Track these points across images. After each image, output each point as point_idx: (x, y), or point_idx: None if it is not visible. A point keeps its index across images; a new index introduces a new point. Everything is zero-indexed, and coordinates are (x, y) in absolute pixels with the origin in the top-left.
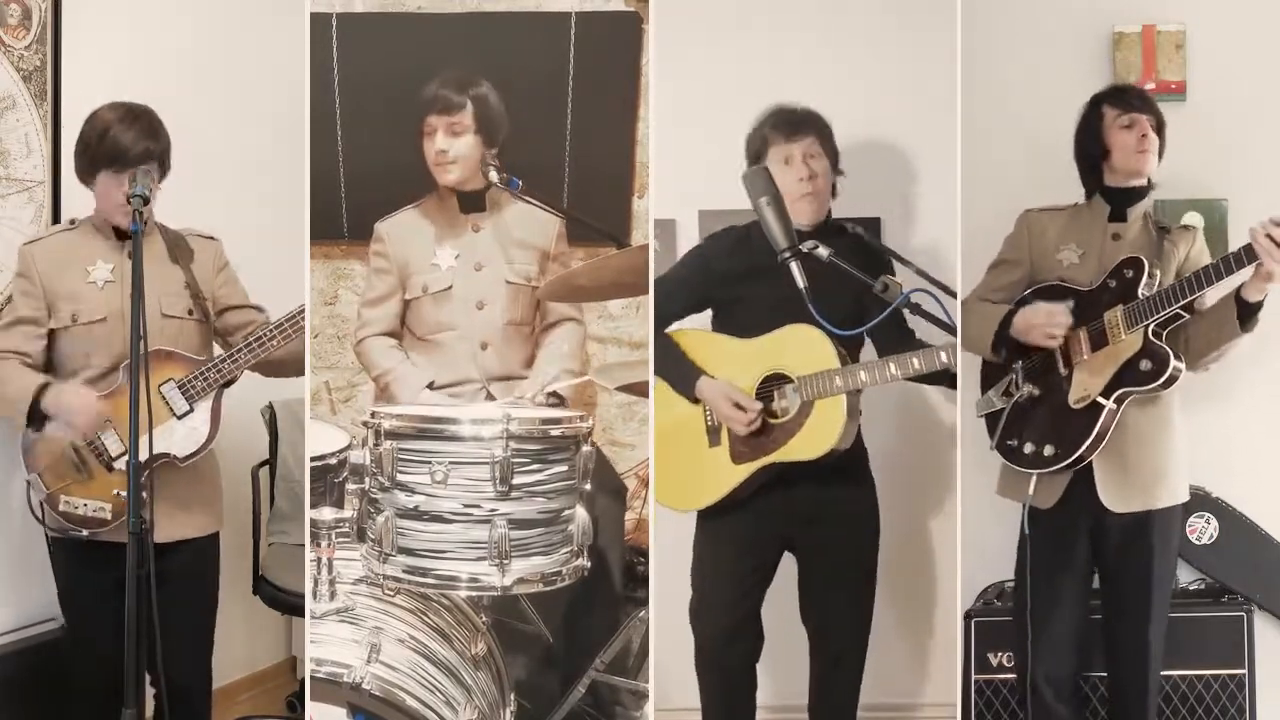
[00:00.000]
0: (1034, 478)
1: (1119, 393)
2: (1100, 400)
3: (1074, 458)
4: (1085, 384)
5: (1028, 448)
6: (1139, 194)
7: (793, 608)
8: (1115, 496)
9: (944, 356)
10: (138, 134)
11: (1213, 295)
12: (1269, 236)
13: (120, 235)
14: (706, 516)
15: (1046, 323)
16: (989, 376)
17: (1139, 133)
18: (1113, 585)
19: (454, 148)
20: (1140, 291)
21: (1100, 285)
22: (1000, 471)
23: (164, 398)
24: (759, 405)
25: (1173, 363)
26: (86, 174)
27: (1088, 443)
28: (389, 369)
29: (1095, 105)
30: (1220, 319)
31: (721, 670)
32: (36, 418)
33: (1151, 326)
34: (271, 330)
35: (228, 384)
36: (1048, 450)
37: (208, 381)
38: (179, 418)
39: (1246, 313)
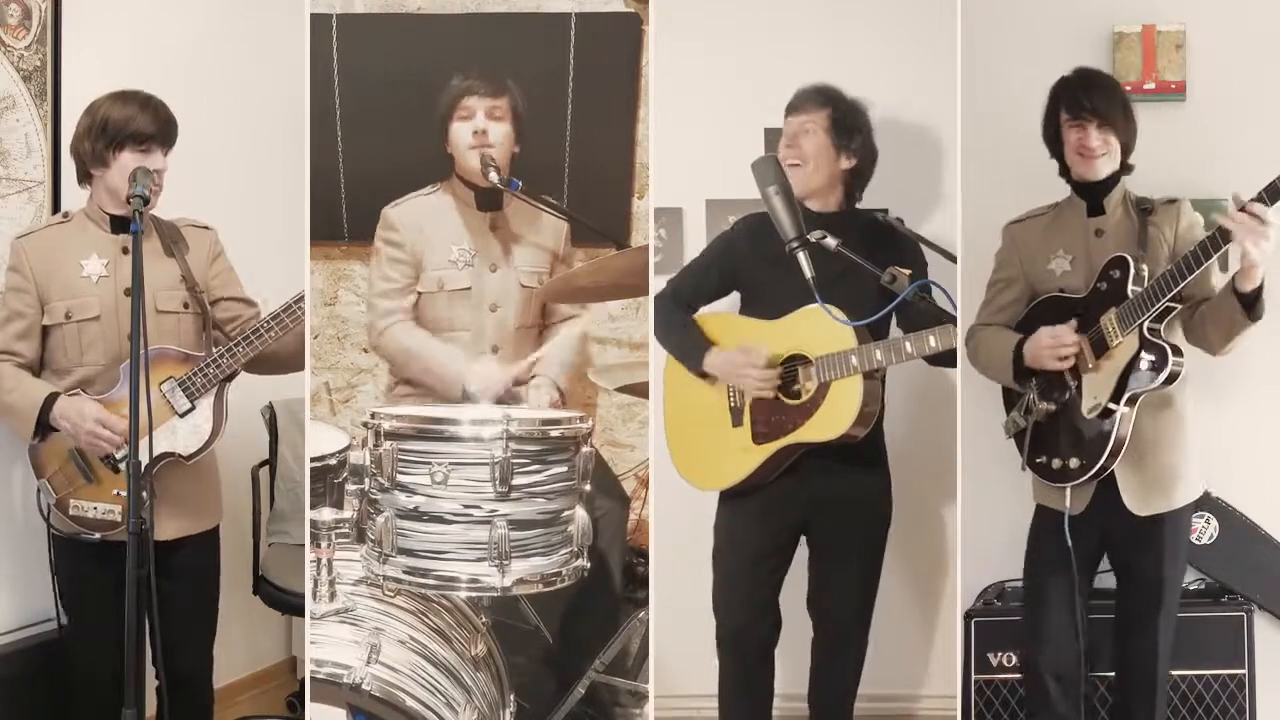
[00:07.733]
0: (1068, 490)
1: (1128, 395)
2: (1111, 406)
3: (1098, 467)
4: (1094, 393)
5: (1055, 463)
6: (1110, 183)
7: (804, 594)
8: (1138, 501)
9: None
10: (154, 112)
11: (1219, 278)
12: (1243, 210)
13: (115, 227)
14: (725, 502)
15: (1052, 346)
16: (1010, 397)
17: (1082, 140)
18: (1125, 583)
19: (493, 131)
20: (1130, 290)
21: (1093, 291)
22: (1033, 480)
23: (165, 396)
24: (766, 352)
25: (1171, 358)
26: (97, 159)
27: (1108, 450)
28: (426, 348)
29: (1053, 97)
30: (1228, 310)
31: (738, 656)
32: (42, 428)
33: (1146, 324)
34: (269, 322)
35: (229, 378)
36: (1073, 463)
37: (208, 378)
38: (181, 416)
39: (1247, 302)
